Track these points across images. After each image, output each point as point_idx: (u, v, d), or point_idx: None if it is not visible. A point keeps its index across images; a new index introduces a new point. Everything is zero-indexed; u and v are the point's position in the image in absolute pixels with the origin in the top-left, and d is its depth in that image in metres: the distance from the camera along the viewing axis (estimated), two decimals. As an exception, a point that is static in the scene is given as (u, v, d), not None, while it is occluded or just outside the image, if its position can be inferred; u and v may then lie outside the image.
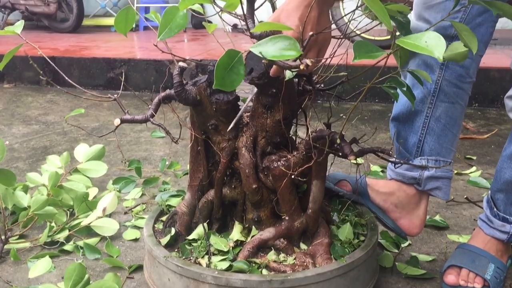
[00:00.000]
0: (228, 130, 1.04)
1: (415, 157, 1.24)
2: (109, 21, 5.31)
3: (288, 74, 0.95)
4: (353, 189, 1.26)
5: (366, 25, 1.13)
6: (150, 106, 1.02)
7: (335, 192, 1.26)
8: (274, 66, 0.94)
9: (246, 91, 1.19)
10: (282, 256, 1.07)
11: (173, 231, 1.13)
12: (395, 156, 1.24)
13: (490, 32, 1.17)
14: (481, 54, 1.19)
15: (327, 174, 1.11)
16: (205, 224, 1.13)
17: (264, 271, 1.03)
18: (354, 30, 2.45)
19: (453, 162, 1.26)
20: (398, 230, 1.26)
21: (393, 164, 1.21)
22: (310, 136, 1.01)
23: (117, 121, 0.98)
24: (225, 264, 1.03)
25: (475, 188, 1.77)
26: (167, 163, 1.95)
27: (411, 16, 1.21)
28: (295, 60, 0.80)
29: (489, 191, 1.23)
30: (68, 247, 1.40)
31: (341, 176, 1.29)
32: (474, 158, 2.04)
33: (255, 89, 1.05)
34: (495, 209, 1.19)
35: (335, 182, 1.27)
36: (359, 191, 1.25)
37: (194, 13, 1.12)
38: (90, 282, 1.13)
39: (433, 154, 1.22)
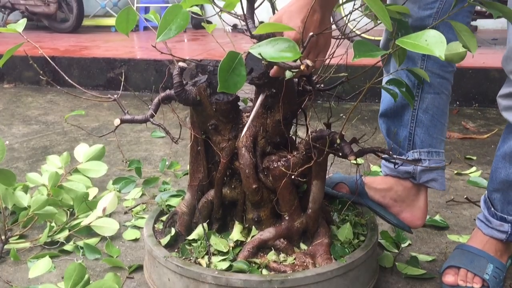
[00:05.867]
0: (249, 121, 1.03)
1: (407, 150, 1.25)
2: (109, 21, 5.30)
3: (288, 73, 0.95)
4: (351, 190, 1.27)
5: (366, 24, 1.13)
6: (150, 106, 1.02)
7: (334, 195, 1.27)
8: (274, 67, 0.94)
9: (246, 92, 1.19)
10: (282, 256, 1.07)
11: (173, 231, 1.13)
12: (395, 156, 1.25)
13: (466, 22, 1.18)
14: None
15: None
16: (205, 224, 1.13)
17: (264, 271, 1.03)
18: (354, 30, 2.45)
19: (444, 151, 1.27)
20: (401, 225, 1.27)
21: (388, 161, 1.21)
22: (310, 136, 1.01)
23: (117, 121, 0.99)
24: (225, 264, 1.03)
25: (475, 188, 1.77)
26: (167, 163, 1.95)
27: None
28: (295, 61, 0.80)
29: (486, 191, 1.23)
30: (68, 247, 1.40)
31: (338, 178, 1.29)
32: (474, 158, 2.04)
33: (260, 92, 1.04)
34: (492, 209, 1.19)
35: (332, 185, 1.28)
36: (356, 191, 1.25)
37: (193, 14, 1.12)
38: (90, 282, 1.13)
39: (425, 146, 1.23)
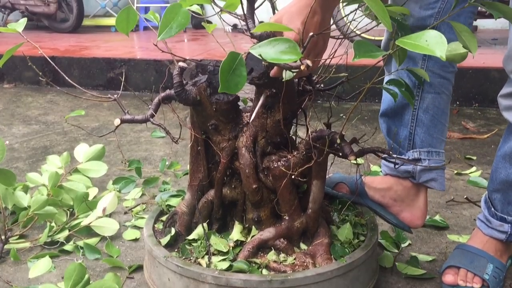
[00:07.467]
0: (250, 120, 1.03)
1: (407, 150, 1.25)
2: (109, 21, 5.30)
3: (288, 74, 0.95)
4: (351, 190, 1.27)
5: (366, 25, 1.13)
6: (150, 106, 1.02)
7: (334, 195, 1.27)
8: (275, 67, 0.94)
9: (246, 91, 1.19)
10: (282, 256, 1.07)
11: (173, 231, 1.13)
12: (395, 155, 1.25)
13: (469, 23, 1.17)
14: None
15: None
16: (205, 224, 1.13)
17: (264, 271, 1.03)
18: (354, 30, 2.45)
19: (444, 151, 1.27)
20: (401, 225, 1.27)
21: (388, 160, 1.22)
22: (310, 136, 1.01)
23: (117, 121, 0.99)
24: (225, 264, 1.03)
25: (475, 188, 1.77)
26: (167, 163, 1.95)
27: None
28: (295, 61, 0.80)
29: (486, 191, 1.23)
30: (68, 247, 1.40)
31: (337, 178, 1.29)
32: (474, 158, 2.04)
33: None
34: (492, 209, 1.19)
35: (333, 185, 1.28)
36: (356, 191, 1.25)
37: (193, 13, 1.12)
38: (90, 282, 1.13)
39: (425, 146, 1.23)
